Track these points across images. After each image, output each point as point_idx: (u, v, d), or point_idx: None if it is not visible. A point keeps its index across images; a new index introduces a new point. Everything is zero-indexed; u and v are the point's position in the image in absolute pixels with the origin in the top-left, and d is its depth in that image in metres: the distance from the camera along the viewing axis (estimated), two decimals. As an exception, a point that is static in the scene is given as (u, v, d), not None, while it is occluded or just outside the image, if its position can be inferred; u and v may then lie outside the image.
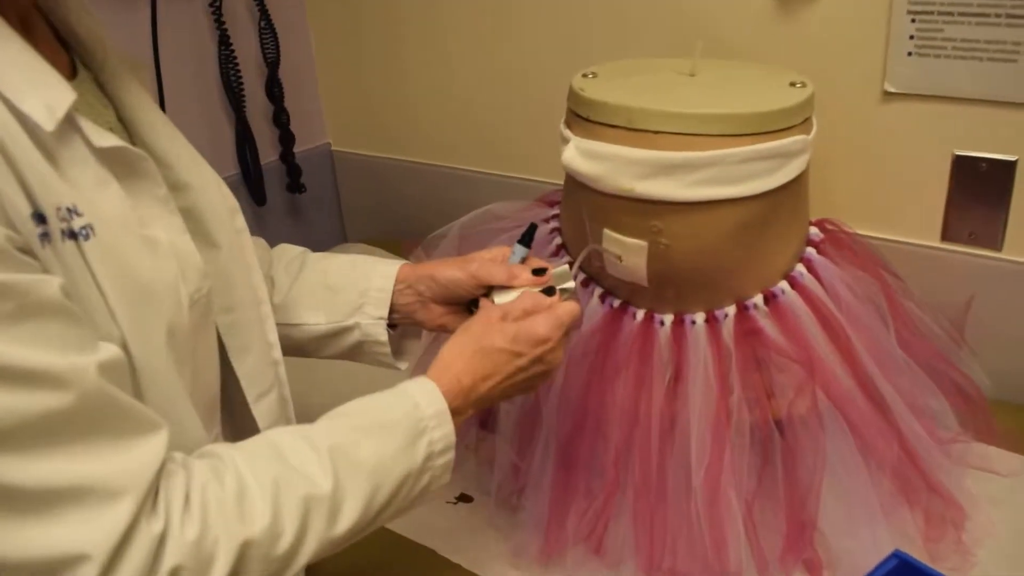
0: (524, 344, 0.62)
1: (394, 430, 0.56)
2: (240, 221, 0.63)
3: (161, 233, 0.52)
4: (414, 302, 0.75)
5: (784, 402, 0.76)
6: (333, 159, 1.45)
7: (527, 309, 0.66)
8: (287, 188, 1.36)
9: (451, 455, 0.59)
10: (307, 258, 0.79)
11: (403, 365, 0.78)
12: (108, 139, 0.50)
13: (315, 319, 0.75)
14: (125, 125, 0.58)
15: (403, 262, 0.77)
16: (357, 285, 0.75)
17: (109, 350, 0.44)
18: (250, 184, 1.29)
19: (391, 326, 0.75)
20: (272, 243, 1.35)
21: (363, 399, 0.58)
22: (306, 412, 0.99)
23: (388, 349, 0.75)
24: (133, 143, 0.58)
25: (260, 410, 0.63)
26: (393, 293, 0.74)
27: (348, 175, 1.45)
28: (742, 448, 0.72)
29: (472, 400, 0.62)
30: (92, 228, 0.46)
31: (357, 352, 0.77)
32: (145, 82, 0.63)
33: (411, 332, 0.79)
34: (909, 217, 0.95)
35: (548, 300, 0.66)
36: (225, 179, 1.23)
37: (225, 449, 0.50)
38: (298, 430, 0.54)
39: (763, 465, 0.75)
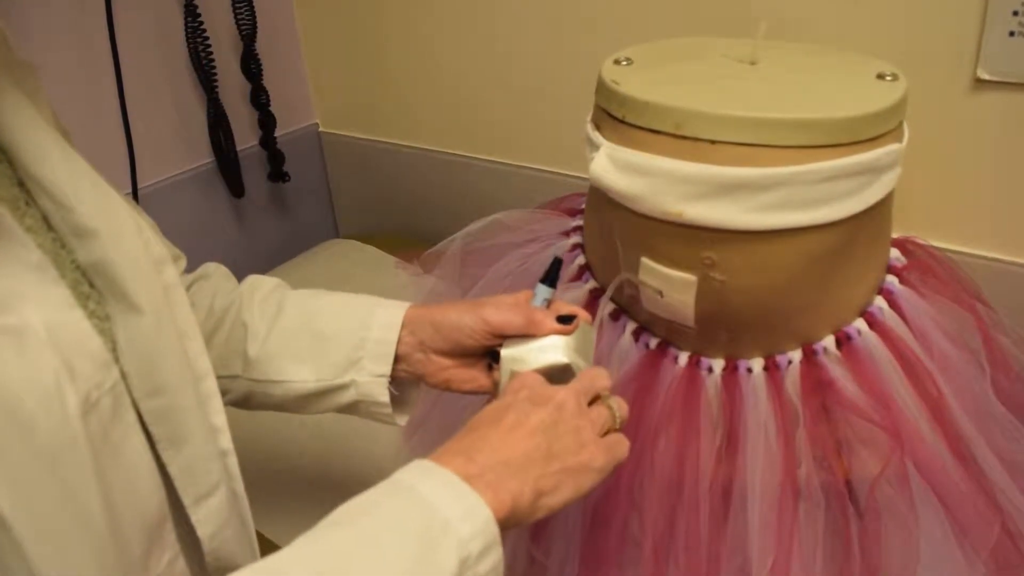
0: (525, 388, 0.50)
1: (400, 539, 0.40)
2: (170, 274, 0.49)
3: (33, 316, 0.38)
4: (415, 351, 0.61)
5: (859, 465, 0.63)
6: (321, 143, 1.29)
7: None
8: (269, 177, 1.22)
9: (497, 556, 0.42)
10: (285, 296, 0.65)
11: (403, 420, 0.65)
12: None
13: (300, 375, 0.61)
14: (6, 154, 0.43)
15: (408, 305, 0.63)
16: (354, 334, 0.61)
17: None
18: (226, 173, 1.14)
19: (391, 379, 0.62)
20: (253, 241, 1.22)
21: (351, 504, 0.42)
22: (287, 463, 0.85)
23: (389, 409, 0.62)
24: (18, 177, 0.43)
25: (201, 515, 0.49)
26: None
27: (339, 161, 1.30)
28: (814, 538, 0.59)
29: (488, 453, 0.45)
30: None
31: (350, 410, 0.64)
32: (39, 92, 0.48)
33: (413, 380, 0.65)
34: (996, 229, 0.80)
35: None
36: (198, 168, 1.13)
37: None
38: (265, 568, 0.39)
39: (839, 549, 0.61)
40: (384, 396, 0.61)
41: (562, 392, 0.50)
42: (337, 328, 0.61)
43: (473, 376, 0.61)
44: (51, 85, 0.91)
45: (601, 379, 0.54)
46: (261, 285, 0.65)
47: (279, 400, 0.62)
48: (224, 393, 0.62)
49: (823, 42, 0.74)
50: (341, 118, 1.27)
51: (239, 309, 0.63)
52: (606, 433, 0.51)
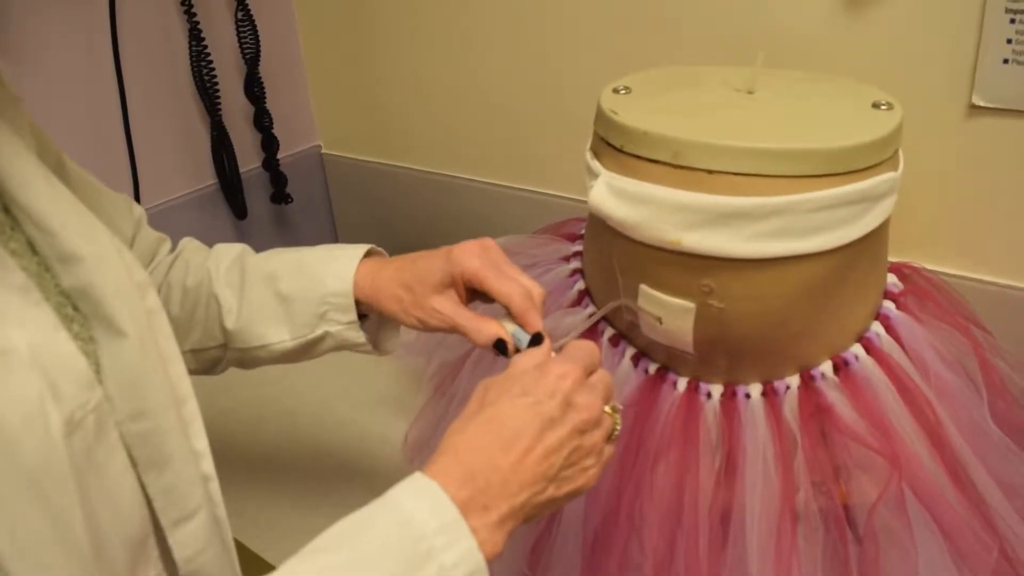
0: (540, 389, 0.48)
1: (382, 564, 0.40)
2: (152, 299, 0.49)
3: (18, 337, 0.38)
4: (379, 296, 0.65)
5: (858, 490, 0.63)
6: (324, 165, 1.30)
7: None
8: (271, 199, 1.22)
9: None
10: (247, 262, 0.67)
11: (390, 350, 0.69)
12: None
13: (278, 335, 0.65)
14: None
15: (363, 253, 0.65)
16: (314, 291, 0.65)
17: None
18: (229, 195, 1.15)
19: (364, 316, 0.66)
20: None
21: (341, 524, 0.43)
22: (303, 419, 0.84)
23: (370, 347, 0.66)
24: (3, 203, 0.44)
25: (179, 537, 0.49)
26: (356, 296, 0.64)
27: (341, 183, 1.30)
28: (813, 562, 0.59)
29: (497, 489, 0.44)
30: None
31: (341, 349, 0.68)
32: (21, 122, 0.48)
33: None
34: (992, 254, 0.81)
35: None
36: (201, 190, 1.14)
37: None
38: None
39: (837, 574, 0.61)
40: (360, 338, 0.65)
41: (582, 397, 0.49)
42: (297, 288, 0.65)
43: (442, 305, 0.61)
44: (55, 107, 0.94)
45: (594, 353, 0.53)
46: (226, 254, 0.68)
47: (268, 359, 0.66)
48: (218, 361, 0.68)
49: (820, 70, 0.75)
50: (343, 140, 1.28)
51: (210, 283, 0.66)
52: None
